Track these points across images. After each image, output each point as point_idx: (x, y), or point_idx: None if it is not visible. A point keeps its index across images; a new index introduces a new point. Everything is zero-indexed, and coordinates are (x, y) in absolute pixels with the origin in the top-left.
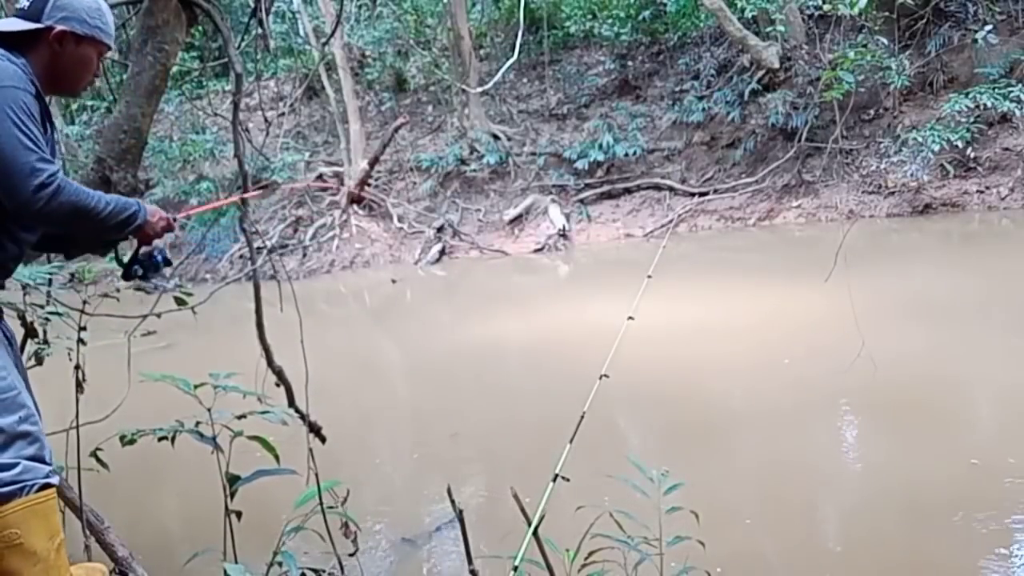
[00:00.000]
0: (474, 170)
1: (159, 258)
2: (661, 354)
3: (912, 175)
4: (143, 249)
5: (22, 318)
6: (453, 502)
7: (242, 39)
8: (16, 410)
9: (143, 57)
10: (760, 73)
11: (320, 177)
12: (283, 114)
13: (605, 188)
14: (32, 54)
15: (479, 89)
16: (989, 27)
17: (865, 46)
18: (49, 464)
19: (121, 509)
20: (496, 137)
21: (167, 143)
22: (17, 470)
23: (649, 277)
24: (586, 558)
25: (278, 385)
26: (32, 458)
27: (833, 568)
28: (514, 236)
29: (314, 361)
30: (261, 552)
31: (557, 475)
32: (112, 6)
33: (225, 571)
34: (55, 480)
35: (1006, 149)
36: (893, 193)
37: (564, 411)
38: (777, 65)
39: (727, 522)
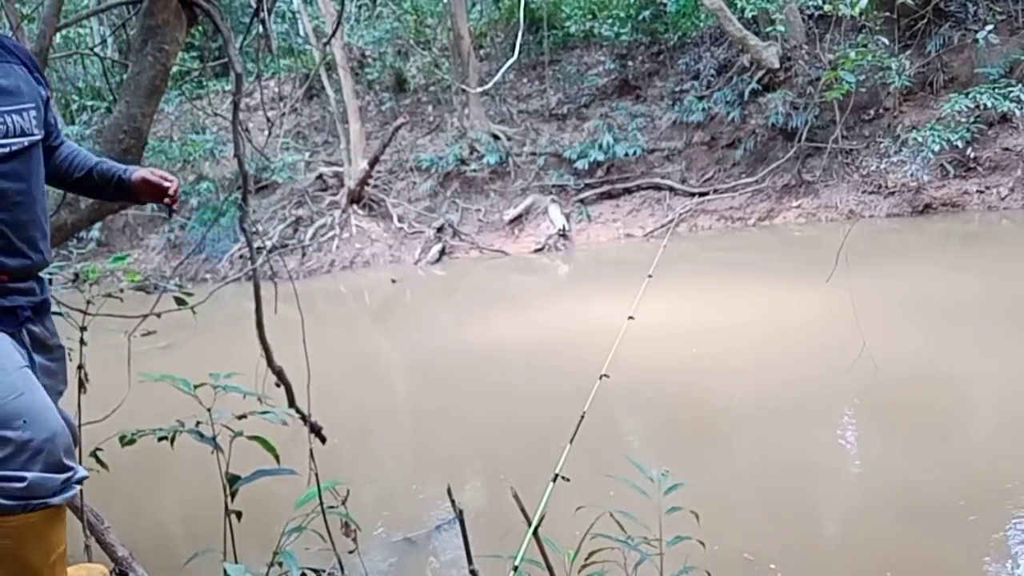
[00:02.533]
0: (474, 170)
1: None
2: (661, 354)
3: (912, 175)
4: None
5: None
6: (453, 502)
7: (242, 39)
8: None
9: (143, 57)
10: (760, 73)
11: (320, 177)
12: (283, 114)
13: (605, 188)
14: None
15: (479, 89)
16: (989, 27)
17: (865, 46)
18: (68, 471)
19: (121, 509)
20: (496, 137)
21: (167, 143)
22: (21, 485)
23: (649, 277)
24: (586, 558)
25: (278, 385)
26: (47, 469)
27: (833, 568)
28: (514, 236)
29: (314, 361)
30: (261, 552)
31: (557, 475)
32: (112, 6)
33: (225, 571)
34: (57, 500)
35: (1006, 149)
36: (893, 193)
37: (564, 411)
38: (777, 65)
39: (727, 522)
